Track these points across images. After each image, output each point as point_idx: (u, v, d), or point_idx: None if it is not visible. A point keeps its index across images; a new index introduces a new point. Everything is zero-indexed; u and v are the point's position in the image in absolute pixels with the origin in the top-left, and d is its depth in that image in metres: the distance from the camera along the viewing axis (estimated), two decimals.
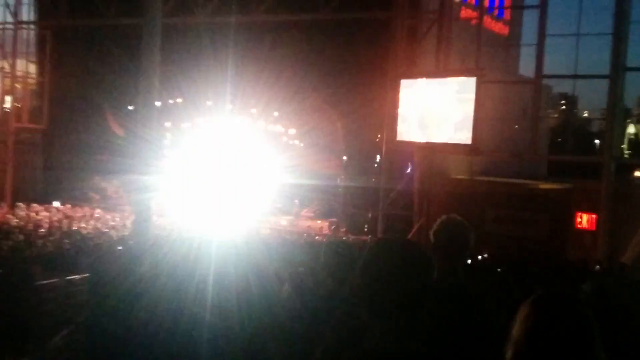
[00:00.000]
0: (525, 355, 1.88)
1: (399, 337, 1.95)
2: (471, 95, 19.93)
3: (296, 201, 29.73)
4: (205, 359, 3.68)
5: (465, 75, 20.48)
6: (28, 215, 24.92)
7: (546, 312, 1.84)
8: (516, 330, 1.92)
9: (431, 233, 3.54)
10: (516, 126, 25.36)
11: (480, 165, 23.82)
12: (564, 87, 62.67)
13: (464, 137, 20.18)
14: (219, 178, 34.67)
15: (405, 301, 1.97)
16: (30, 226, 21.24)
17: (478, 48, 21.69)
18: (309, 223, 27.89)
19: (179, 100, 31.09)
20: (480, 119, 20.25)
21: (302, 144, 30.54)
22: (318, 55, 25.85)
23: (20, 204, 27.05)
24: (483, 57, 21.91)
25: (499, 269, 15.86)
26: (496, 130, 23.03)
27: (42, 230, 19.91)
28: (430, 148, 21.69)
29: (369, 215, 24.94)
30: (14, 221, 22.35)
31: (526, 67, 26.56)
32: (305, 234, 25.56)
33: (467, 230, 3.50)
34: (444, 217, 3.62)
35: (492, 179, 23.12)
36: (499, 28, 27.24)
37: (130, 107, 28.35)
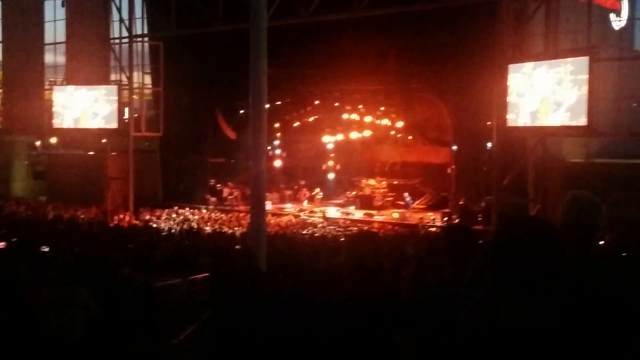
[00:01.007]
0: None
1: (536, 317, 1.93)
2: (584, 76, 19.22)
3: (406, 194, 29.65)
4: (329, 355, 3.74)
5: (577, 56, 19.77)
6: (150, 220, 26.01)
7: None
8: None
9: (561, 209, 3.43)
10: (634, 104, 24.25)
11: (597, 148, 22.92)
12: None
13: (579, 118, 19.49)
14: (330, 174, 35.11)
15: (541, 279, 1.95)
16: (153, 230, 22.08)
17: (589, 26, 20.82)
18: (420, 215, 27.75)
19: (287, 100, 31.63)
20: (596, 99, 19.51)
21: (410, 137, 30.46)
22: (423, 47, 25.66)
23: (142, 210, 28.29)
24: (595, 34, 21.05)
25: (623, 254, 15.28)
26: (612, 109, 22.10)
27: (164, 233, 20.67)
28: (543, 132, 21.07)
29: (482, 204, 24.52)
30: (138, 226, 23.35)
31: None
32: (419, 226, 25.46)
33: (598, 204, 3.39)
34: (573, 192, 3.50)
35: (610, 160, 22.22)
36: (610, 3, 26.09)
37: (242, 111, 29.05)
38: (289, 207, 31.24)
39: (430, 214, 28.09)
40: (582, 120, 19.26)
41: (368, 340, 3.42)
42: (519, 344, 1.84)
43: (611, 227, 18.49)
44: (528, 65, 20.97)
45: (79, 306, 6.85)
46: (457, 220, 24.55)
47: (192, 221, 26.34)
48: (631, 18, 27.00)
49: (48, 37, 33.21)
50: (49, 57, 33.50)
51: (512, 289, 1.93)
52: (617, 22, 25.89)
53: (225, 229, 23.94)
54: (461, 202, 26.10)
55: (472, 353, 1.92)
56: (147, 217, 27.24)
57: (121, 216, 27.00)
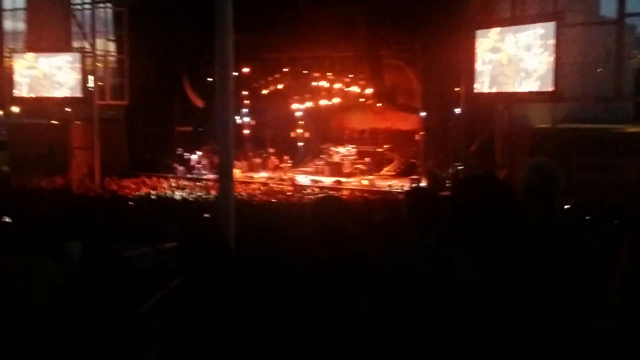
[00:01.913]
0: (633, 283, 1.82)
1: (494, 274, 1.91)
2: (551, 41, 19.31)
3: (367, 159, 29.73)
4: (292, 322, 3.71)
5: (544, 21, 19.82)
6: (117, 189, 25.77)
7: None
8: (621, 259, 1.87)
9: (522, 175, 3.59)
10: (599, 69, 24.40)
11: (563, 113, 23.08)
12: None
13: (545, 84, 19.61)
14: (300, 142, 35.03)
15: (496, 236, 1.92)
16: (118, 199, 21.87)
17: None
18: (390, 182, 27.85)
19: (255, 68, 31.37)
20: (562, 65, 19.61)
21: (379, 104, 30.45)
22: (391, 13, 25.54)
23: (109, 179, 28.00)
24: (561, 0, 21.10)
25: (587, 217, 15.50)
26: (578, 75, 22.21)
27: (131, 202, 20.49)
28: (510, 98, 21.19)
29: (450, 170, 24.66)
30: (105, 195, 23.13)
31: (607, 6, 25.44)
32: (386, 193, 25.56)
33: (556, 169, 3.51)
34: (532, 159, 3.67)
35: (576, 125, 22.41)
36: None
37: (209, 79, 28.74)
38: (258, 175, 31.13)
39: (399, 180, 28.19)
40: (549, 84, 19.39)
41: (333, 303, 3.39)
42: (476, 302, 1.83)
43: (576, 191, 18.76)
44: (495, 31, 21.01)
45: (44, 276, 6.74)
46: (424, 186, 24.68)
47: (159, 190, 26.13)
48: None
49: (6, 3, 32.37)
50: (7, 24, 32.65)
51: (469, 247, 1.91)
52: None
53: (193, 198, 23.81)
54: (429, 168, 26.22)
55: (433, 312, 1.90)
56: (114, 186, 26.96)
57: (87, 186, 26.70)
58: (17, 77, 28.88)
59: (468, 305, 1.84)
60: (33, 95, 29.00)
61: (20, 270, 6.65)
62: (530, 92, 20.30)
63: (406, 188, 25.80)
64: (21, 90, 28.97)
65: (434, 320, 1.87)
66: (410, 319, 2.00)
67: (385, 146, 31.42)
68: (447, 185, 23.84)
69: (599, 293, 3.04)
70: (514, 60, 20.43)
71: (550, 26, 19.42)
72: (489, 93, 21.43)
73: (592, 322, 2.03)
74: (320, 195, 20.67)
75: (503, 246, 1.91)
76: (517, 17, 21.06)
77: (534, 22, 20.16)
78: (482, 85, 21.44)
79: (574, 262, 3.14)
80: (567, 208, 16.85)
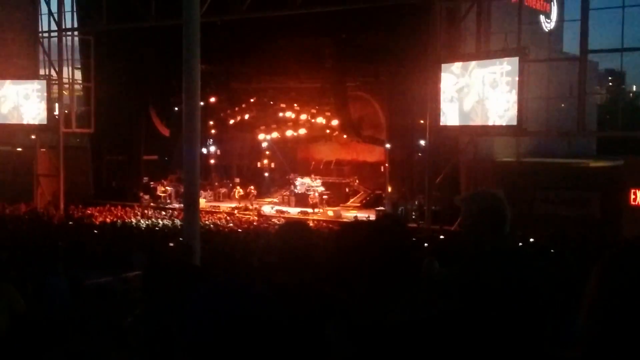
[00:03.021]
0: (601, 313, 1.85)
1: (416, 307, 1.96)
2: (514, 76, 19.69)
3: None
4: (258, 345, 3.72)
5: (508, 56, 20.23)
6: (81, 218, 25.48)
7: (622, 266, 1.81)
8: (590, 289, 1.90)
9: (460, 202, 3.59)
10: (562, 105, 24.94)
11: (527, 147, 23.53)
12: (611, 62, 61.45)
13: (509, 118, 19.96)
14: (266, 172, 35.06)
15: (389, 270, 1.97)
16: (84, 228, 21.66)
17: (519, 27, 21.30)
18: (355, 213, 27.94)
19: (222, 97, 31.43)
20: (525, 99, 19.99)
21: (345, 135, 30.64)
22: (358, 45, 25.85)
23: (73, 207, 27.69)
24: (525, 35, 21.56)
25: (552, 250, 15.72)
26: (542, 109, 22.70)
27: (96, 231, 20.30)
28: (474, 131, 21.51)
29: (416, 202, 24.83)
30: (69, 223, 22.86)
31: (570, 43, 26.07)
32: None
33: (500, 198, 3.50)
34: (473, 191, 3.69)
35: (540, 159, 22.83)
36: (541, 5, 26.76)
37: (176, 108, 28.72)
38: (224, 204, 31.03)
39: (364, 212, 28.29)
40: (512, 118, 19.73)
41: (298, 329, 3.42)
42: (399, 336, 1.88)
43: (540, 225, 19.04)
44: (460, 65, 21.38)
45: (4, 302, 6.67)
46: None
47: (124, 219, 25.91)
48: (560, 20, 27.78)
49: None
50: None
51: (372, 284, 1.97)
52: (547, 24, 26.60)
53: (158, 228, 23.65)
54: (394, 200, 26.37)
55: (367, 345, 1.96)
56: (78, 215, 26.67)
57: (52, 213, 26.38)
58: None
59: (401, 339, 1.88)
60: None
61: None
62: (494, 126, 20.64)
63: (372, 219, 25.93)
64: None
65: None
66: (372, 347, 2.04)
67: (351, 178, 31.58)
68: (413, 217, 24.04)
69: (566, 322, 3.10)
70: (479, 94, 20.77)
71: (513, 61, 19.80)
72: (454, 126, 21.74)
73: (559, 350, 2.06)
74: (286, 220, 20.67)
75: (399, 278, 1.97)
76: (482, 52, 21.45)
77: (498, 57, 20.55)
78: (447, 118, 21.75)
79: (527, 289, 3.19)
80: (532, 241, 17.08)
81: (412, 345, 1.88)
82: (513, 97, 19.74)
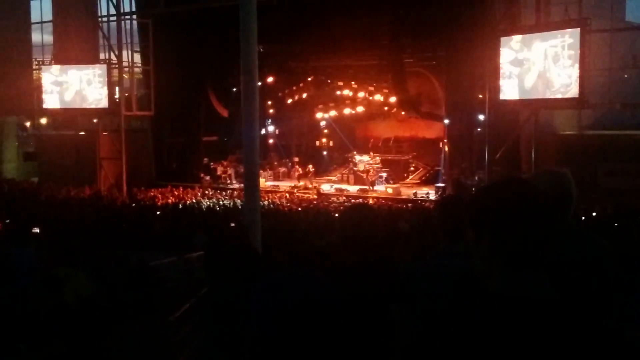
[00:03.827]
0: None
1: (531, 283, 1.88)
2: (576, 48, 19.18)
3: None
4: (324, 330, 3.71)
5: (569, 27, 19.70)
6: (144, 199, 25.95)
7: None
8: None
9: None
10: (625, 75, 24.18)
11: (589, 119, 22.93)
12: None
13: (571, 90, 19.48)
14: (324, 151, 35.12)
15: (537, 245, 1.88)
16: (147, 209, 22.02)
17: None
18: (414, 190, 27.79)
19: (280, 77, 31.50)
20: (587, 71, 19.47)
21: (403, 112, 30.43)
22: (415, 20, 25.52)
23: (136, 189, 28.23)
24: (586, 5, 20.95)
25: (616, 224, 15.34)
26: (604, 81, 22.04)
27: (158, 212, 20.63)
28: (535, 104, 21.07)
29: (475, 178, 24.54)
30: (132, 205, 23.29)
31: (633, 11, 25.23)
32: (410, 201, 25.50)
33: (566, 176, 3.38)
34: (540, 168, 3.57)
35: (602, 132, 22.23)
36: None
37: (234, 89, 28.91)
38: (283, 184, 31.22)
39: (424, 188, 28.12)
40: (574, 91, 19.26)
41: (364, 312, 3.40)
42: (511, 311, 1.81)
43: (604, 199, 18.61)
44: (520, 39, 20.92)
45: (71, 287, 6.78)
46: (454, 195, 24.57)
47: (186, 200, 26.27)
48: None
49: (34, 15, 32.85)
50: (36, 36, 33.18)
51: (505, 256, 1.88)
52: None
53: (219, 208, 23.92)
54: (454, 176, 26.12)
55: (464, 320, 1.89)
56: (141, 197, 27.17)
57: (115, 196, 26.94)
58: (45, 89, 29.28)
59: (502, 314, 1.82)
60: (61, 107, 29.38)
61: (47, 282, 6.70)
62: (556, 99, 20.16)
63: (431, 196, 25.76)
64: (50, 102, 29.37)
65: (465, 328, 1.86)
66: (440, 327, 1.99)
67: (409, 154, 31.40)
68: (472, 192, 23.71)
69: (629, 298, 3.02)
70: (539, 67, 20.32)
71: (575, 33, 19.28)
72: (514, 100, 21.32)
73: (623, 328, 2.00)
74: (350, 203, 20.65)
75: (541, 255, 1.87)
76: (542, 24, 20.94)
77: (558, 29, 20.02)
78: (507, 92, 21.35)
79: (595, 269, 3.12)
80: (596, 214, 16.71)
81: (482, 326, 1.84)
82: (575, 70, 19.24)
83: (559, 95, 19.94)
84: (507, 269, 1.88)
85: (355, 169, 30.67)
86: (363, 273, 3.69)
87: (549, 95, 20.20)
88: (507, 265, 1.88)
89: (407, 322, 3.55)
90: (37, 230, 11.54)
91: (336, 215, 18.11)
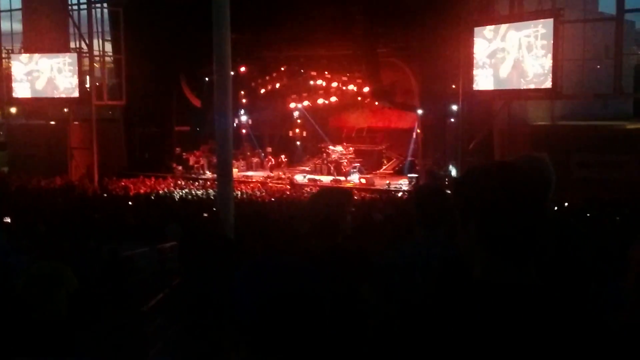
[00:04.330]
0: None
1: (518, 269, 1.85)
2: (549, 39, 19.31)
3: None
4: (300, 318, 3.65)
5: (542, 18, 19.82)
6: (115, 190, 25.72)
7: None
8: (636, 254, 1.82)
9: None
10: (598, 66, 24.41)
11: (562, 110, 23.12)
12: None
13: (544, 81, 19.62)
14: (297, 141, 35.07)
15: (525, 230, 1.84)
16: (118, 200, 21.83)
17: None
18: (388, 180, 27.84)
19: (252, 67, 31.35)
20: (560, 61, 19.61)
21: (376, 102, 30.43)
22: (389, 10, 25.47)
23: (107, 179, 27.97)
24: None
25: (588, 214, 15.52)
26: (577, 72, 22.23)
27: (130, 202, 20.47)
28: (508, 95, 21.19)
29: (449, 168, 24.64)
30: (103, 196, 23.08)
31: (606, 3, 25.44)
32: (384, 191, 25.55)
33: (546, 163, 3.38)
34: (522, 154, 3.55)
35: (575, 122, 22.44)
36: None
37: (207, 79, 28.72)
38: (256, 174, 31.12)
39: (397, 179, 28.19)
40: (547, 81, 19.40)
41: (339, 301, 3.37)
42: (496, 298, 1.78)
43: (576, 189, 18.78)
44: (492, 29, 21.02)
45: (64, 283, 6.68)
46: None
47: (158, 190, 26.09)
48: None
49: (4, 4, 32.34)
50: (4, 25, 32.71)
51: (492, 242, 1.84)
52: None
53: (192, 198, 23.79)
54: (428, 166, 26.20)
55: (445, 307, 1.86)
56: (112, 187, 26.92)
57: (86, 186, 26.67)
58: (14, 78, 28.88)
59: (487, 301, 1.79)
60: (31, 96, 29.02)
61: (40, 277, 6.59)
62: (529, 89, 20.31)
63: (404, 187, 25.84)
64: (20, 91, 28.98)
65: (446, 317, 1.83)
66: (419, 316, 1.97)
67: (383, 145, 31.47)
68: (446, 183, 23.83)
69: (609, 285, 3.04)
70: (512, 57, 20.43)
71: (548, 23, 19.41)
72: (488, 90, 21.44)
73: (602, 313, 2.00)
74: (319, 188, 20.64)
75: (528, 241, 1.83)
76: (515, 14, 21.06)
77: (532, 19, 20.15)
78: (480, 83, 21.45)
79: (575, 255, 3.13)
80: (567, 205, 16.88)
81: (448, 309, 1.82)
82: (548, 60, 19.38)
83: (532, 86, 20.08)
84: (493, 255, 1.84)
85: (328, 159, 30.66)
86: (332, 256, 3.66)
87: (523, 85, 20.33)
88: (492, 252, 1.84)
89: (378, 303, 3.54)
90: (7, 220, 11.41)
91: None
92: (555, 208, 15.77)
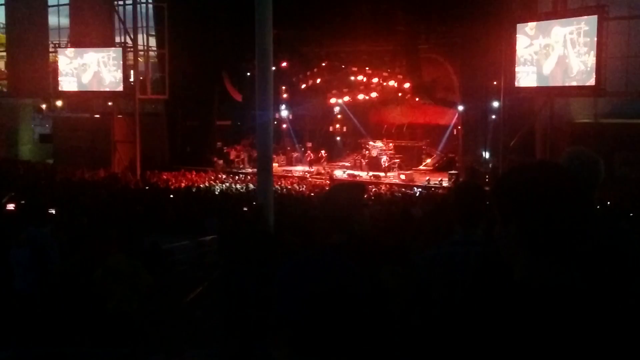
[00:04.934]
0: None
1: (561, 271, 1.83)
2: (592, 34, 19.03)
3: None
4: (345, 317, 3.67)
5: (586, 14, 19.54)
6: (157, 183, 26.03)
7: None
8: None
9: (561, 163, 3.37)
10: None
11: (605, 108, 22.73)
12: None
13: (588, 78, 19.34)
14: (337, 136, 35.08)
15: (570, 232, 1.82)
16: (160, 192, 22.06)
17: None
18: (428, 176, 27.72)
19: (294, 62, 31.42)
20: (604, 58, 19.31)
21: (417, 98, 30.31)
22: (430, 6, 25.35)
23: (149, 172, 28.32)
24: None
25: (631, 214, 15.26)
26: (622, 69, 21.84)
27: (171, 196, 20.70)
28: (551, 92, 20.93)
29: (490, 165, 24.45)
30: (145, 189, 23.36)
31: None
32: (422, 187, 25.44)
33: (596, 160, 3.35)
34: (571, 148, 3.49)
35: (619, 120, 22.05)
36: None
37: (248, 74, 28.87)
38: (296, 169, 31.24)
39: (437, 175, 28.06)
40: (591, 78, 19.12)
41: (377, 298, 3.40)
42: (538, 300, 1.77)
43: (619, 188, 18.48)
44: (534, 25, 20.77)
45: (140, 277, 6.77)
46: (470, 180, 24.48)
47: (199, 183, 26.33)
48: None
49: None
50: (52, 20, 33.27)
51: (536, 243, 1.81)
52: None
53: (233, 191, 23.96)
54: (468, 163, 26.03)
55: (485, 308, 1.86)
56: (154, 180, 27.25)
57: (129, 179, 27.04)
58: (61, 71, 29.41)
59: (527, 303, 1.77)
60: (77, 89, 29.52)
61: (117, 271, 6.69)
62: (572, 87, 20.03)
63: (445, 183, 25.69)
64: (65, 84, 29.51)
65: (484, 317, 1.83)
66: (457, 315, 1.97)
67: (423, 141, 31.33)
68: (486, 180, 23.65)
69: None
70: (557, 53, 20.17)
71: (592, 20, 19.13)
72: (530, 87, 21.20)
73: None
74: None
75: (574, 243, 1.80)
76: (559, 11, 20.78)
77: (575, 16, 19.87)
78: (523, 79, 21.22)
79: (622, 255, 3.09)
80: (610, 204, 16.62)
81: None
82: (591, 57, 19.10)
83: (575, 83, 19.81)
84: (534, 256, 1.82)
85: (368, 154, 30.63)
86: (351, 246, 3.65)
87: (566, 82, 20.06)
88: (534, 253, 1.82)
89: (400, 286, 3.55)
90: (53, 211, 11.63)
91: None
92: (598, 207, 15.56)
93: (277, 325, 1.66)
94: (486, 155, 25.59)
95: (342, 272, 1.75)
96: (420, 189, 25.07)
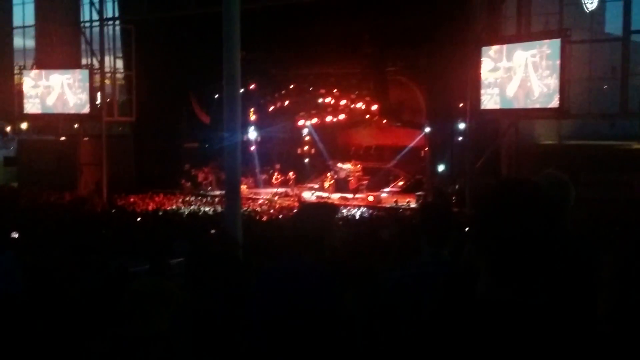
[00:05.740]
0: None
1: (524, 288, 1.85)
2: (556, 58, 19.38)
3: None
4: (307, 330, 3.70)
5: (549, 38, 19.90)
6: (124, 206, 25.82)
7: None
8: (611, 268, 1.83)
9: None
10: (605, 86, 24.44)
11: (569, 129, 23.14)
12: None
13: (551, 100, 19.66)
14: (306, 158, 35.13)
15: (534, 250, 1.84)
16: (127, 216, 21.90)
17: (561, 8, 21.00)
18: (395, 198, 27.84)
19: (261, 84, 31.50)
20: (567, 81, 19.66)
21: (384, 120, 30.53)
22: (397, 29, 25.60)
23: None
24: (567, 17, 21.21)
25: (596, 234, 15.46)
26: (584, 91, 22.27)
27: (138, 218, 20.55)
28: (516, 114, 21.24)
29: (456, 187, 24.63)
30: (112, 211, 23.16)
31: (613, 23, 25.49)
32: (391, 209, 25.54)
33: (567, 183, 3.42)
34: (545, 171, 3.57)
35: (582, 142, 22.44)
36: None
37: (216, 96, 28.84)
38: (264, 191, 31.18)
39: (405, 197, 28.19)
40: (554, 101, 19.45)
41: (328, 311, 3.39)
42: (499, 317, 1.79)
43: (583, 209, 18.73)
44: (497, 49, 21.11)
45: (172, 299, 6.68)
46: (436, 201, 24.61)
47: (166, 206, 26.16)
48: (602, 0, 27.15)
49: (16, 20, 32.61)
50: (17, 41, 32.95)
51: (498, 262, 1.83)
52: (589, 4, 26.01)
53: (200, 213, 23.85)
54: (435, 184, 26.19)
55: (451, 325, 1.88)
56: (121, 203, 27.02)
57: (95, 202, 26.77)
58: (26, 94, 29.13)
59: (491, 319, 1.79)
60: (42, 112, 29.24)
61: (146, 292, 6.60)
62: (536, 109, 20.35)
63: (412, 204, 25.82)
64: (30, 106, 29.21)
65: (453, 335, 1.85)
66: (427, 335, 1.98)
67: (390, 162, 31.50)
68: (453, 201, 23.81)
69: (601, 296, 3.07)
70: (519, 76, 20.49)
71: (554, 43, 19.49)
72: (495, 109, 21.48)
73: (597, 323, 2.01)
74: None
75: (538, 260, 1.82)
76: (523, 34, 21.14)
77: (539, 39, 20.24)
78: (488, 101, 21.50)
79: (584, 273, 3.15)
80: (574, 225, 16.81)
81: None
82: (554, 80, 19.43)
83: (539, 105, 20.13)
84: (495, 273, 1.85)
85: (336, 176, 30.69)
86: (318, 271, 3.66)
87: (529, 104, 20.38)
88: (494, 270, 1.85)
89: (362, 310, 3.57)
90: (15, 235, 11.47)
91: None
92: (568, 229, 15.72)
93: (244, 343, 1.67)
94: (451, 175, 25.79)
95: (317, 279, 1.76)
96: (387, 211, 25.17)
